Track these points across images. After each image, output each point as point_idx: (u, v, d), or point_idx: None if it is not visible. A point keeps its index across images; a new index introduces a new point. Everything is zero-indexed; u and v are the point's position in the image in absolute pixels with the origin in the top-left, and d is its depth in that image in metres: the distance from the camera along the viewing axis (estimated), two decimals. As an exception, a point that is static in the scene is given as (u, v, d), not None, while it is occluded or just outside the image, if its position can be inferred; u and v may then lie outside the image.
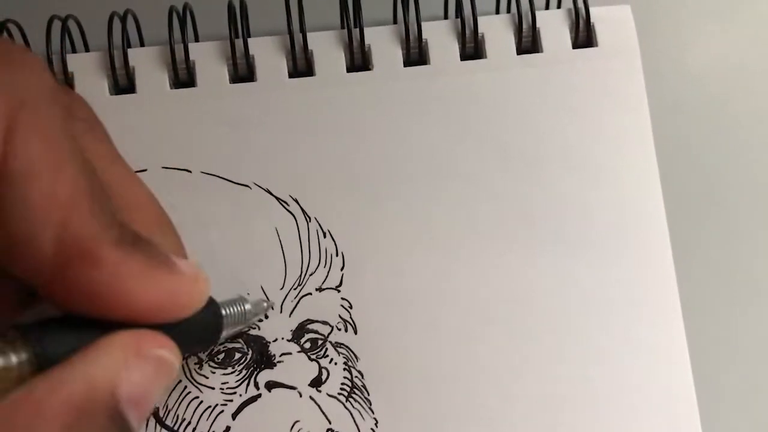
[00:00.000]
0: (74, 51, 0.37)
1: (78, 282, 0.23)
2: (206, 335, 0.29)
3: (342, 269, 0.35)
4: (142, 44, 0.38)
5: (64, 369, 0.22)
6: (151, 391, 0.24)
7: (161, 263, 0.24)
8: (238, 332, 0.33)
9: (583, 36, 0.37)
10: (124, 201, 0.27)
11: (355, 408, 0.33)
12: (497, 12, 0.38)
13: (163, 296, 0.24)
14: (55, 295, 0.23)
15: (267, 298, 0.34)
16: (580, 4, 0.37)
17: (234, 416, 0.33)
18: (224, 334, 0.30)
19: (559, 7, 0.38)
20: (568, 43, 0.37)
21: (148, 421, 0.33)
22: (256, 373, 0.33)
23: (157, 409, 0.33)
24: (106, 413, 0.23)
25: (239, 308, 0.31)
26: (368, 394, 0.34)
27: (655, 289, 0.35)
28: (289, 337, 0.34)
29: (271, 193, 0.35)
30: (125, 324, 0.24)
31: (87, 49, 0.37)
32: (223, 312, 0.30)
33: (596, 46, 0.37)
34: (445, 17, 0.38)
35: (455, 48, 0.37)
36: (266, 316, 0.34)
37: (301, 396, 0.33)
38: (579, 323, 0.34)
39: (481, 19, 0.37)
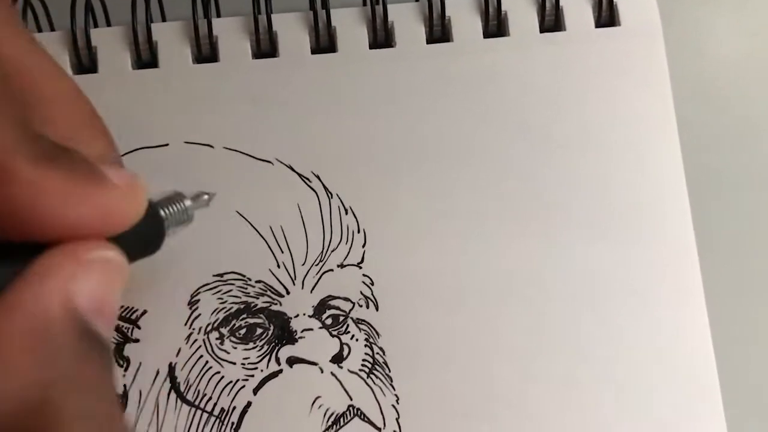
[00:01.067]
0: (96, 26, 0.37)
1: None
2: (148, 242, 0.27)
3: (363, 246, 0.35)
4: (164, 20, 0.38)
5: (9, 298, 0.21)
6: (108, 295, 0.22)
7: (88, 177, 0.22)
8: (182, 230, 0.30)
9: (606, 15, 0.37)
10: (43, 97, 0.24)
11: (377, 384, 0.34)
12: (520, -10, 0.39)
13: (93, 212, 0.22)
14: None
15: (208, 193, 0.31)
16: (604, -17, 0.37)
17: (255, 391, 0.33)
18: (168, 235, 0.28)
19: (582, -15, 0.38)
20: (591, 21, 0.37)
21: (169, 395, 0.33)
22: (277, 348, 0.34)
23: (179, 383, 0.33)
24: (71, 329, 0.21)
25: (179, 206, 0.28)
26: (389, 371, 0.34)
27: (676, 272, 0.35)
28: (311, 313, 0.34)
29: (293, 170, 0.35)
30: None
31: (109, 25, 0.38)
32: (162, 213, 0.27)
33: (619, 25, 0.37)
34: (469, -5, 0.38)
35: (478, 26, 0.37)
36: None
37: (322, 372, 0.33)
38: (598, 306, 0.34)
39: (504, -3, 0.37)
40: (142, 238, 0.26)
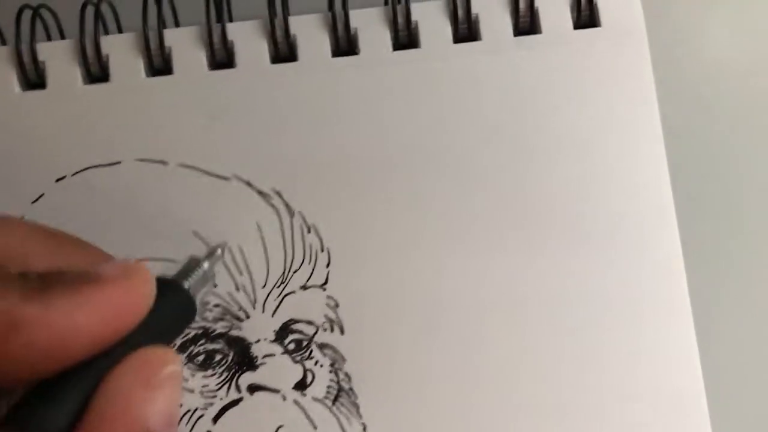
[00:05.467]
0: (50, 39, 0.38)
1: (21, 353, 0.22)
2: (183, 315, 0.28)
3: (328, 266, 0.34)
4: (120, 31, 0.38)
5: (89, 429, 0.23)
6: (175, 407, 0.25)
7: (83, 283, 0.23)
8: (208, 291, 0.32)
9: (586, 15, 0.37)
10: (7, 247, 0.26)
11: (342, 413, 0.33)
12: (493, -9, 0.38)
13: (104, 313, 0.23)
14: (12, 377, 0.23)
15: (219, 246, 0.32)
16: (581, -19, 0.37)
17: (214, 420, 0.33)
18: (199, 299, 0.29)
19: (559, -16, 0.38)
20: (569, 23, 0.37)
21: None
22: (237, 375, 0.34)
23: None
24: None
25: (198, 272, 0.30)
26: (356, 398, 0.34)
27: (663, 287, 0.34)
28: (272, 338, 0.34)
29: (252, 186, 0.35)
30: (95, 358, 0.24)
31: (63, 38, 0.38)
32: (186, 285, 0.29)
33: (599, 26, 0.36)
34: (437, -3, 0.38)
35: (447, 30, 0.36)
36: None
37: (284, 400, 0.33)
38: (582, 325, 0.34)
39: (474, -1, 0.36)
40: (179, 316, 0.28)
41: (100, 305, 0.23)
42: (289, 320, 0.34)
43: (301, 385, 0.34)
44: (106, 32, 0.38)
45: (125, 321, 0.24)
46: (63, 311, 0.23)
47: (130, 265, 0.25)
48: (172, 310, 0.27)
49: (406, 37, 0.37)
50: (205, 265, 0.30)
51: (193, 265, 0.30)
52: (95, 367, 0.24)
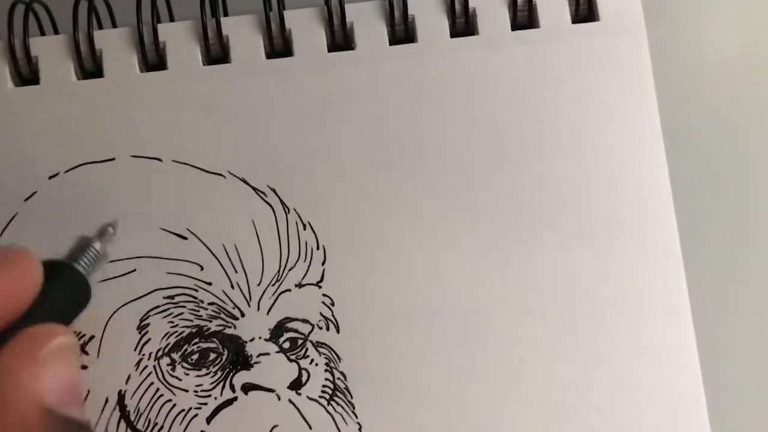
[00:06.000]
0: (43, 34, 0.38)
1: None
2: (78, 296, 0.29)
3: (323, 264, 0.34)
4: (114, 26, 0.38)
5: None
6: (72, 378, 0.24)
7: None
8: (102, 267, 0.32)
9: (584, 9, 0.37)
10: None
11: (338, 412, 0.33)
12: (490, -16, 0.38)
13: None
14: None
15: (110, 224, 0.33)
16: (580, -25, 0.36)
17: (208, 420, 0.33)
18: (92, 279, 0.29)
19: (557, -22, 0.38)
20: (567, 17, 0.36)
21: (119, 424, 0.33)
22: (232, 374, 0.34)
23: (128, 412, 0.33)
24: (49, 424, 0.23)
25: (89, 251, 0.30)
26: (351, 397, 0.34)
27: (662, 285, 0.34)
28: (267, 337, 0.34)
29: (247, 183, 0.35)
30: None
31: (56, 32, 0.38)
32: (77, 266, 0.29)
33: (598, 20, 0.36)
34: (435, -9, 0.38)
35: (444, 24, 0.36)
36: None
37: (279, 399, 0.33)
38: (580, 322, 0.34)
39: (472, -7, 0.36)
40: (71, 296, 0.28)
41: None
42: (285, 318, 0.34)
43: (296, 385, 0.34)
44: (100, 27, 0.38)
45: (13, 306, 0.24)
46: None
47: (12, 251, 0.25)
48: (64, 291, 0.28)
49: (402, 32, 0.37)
50: (97, 244, 0.30)
51: (84, 244, 0.30)
52: None
